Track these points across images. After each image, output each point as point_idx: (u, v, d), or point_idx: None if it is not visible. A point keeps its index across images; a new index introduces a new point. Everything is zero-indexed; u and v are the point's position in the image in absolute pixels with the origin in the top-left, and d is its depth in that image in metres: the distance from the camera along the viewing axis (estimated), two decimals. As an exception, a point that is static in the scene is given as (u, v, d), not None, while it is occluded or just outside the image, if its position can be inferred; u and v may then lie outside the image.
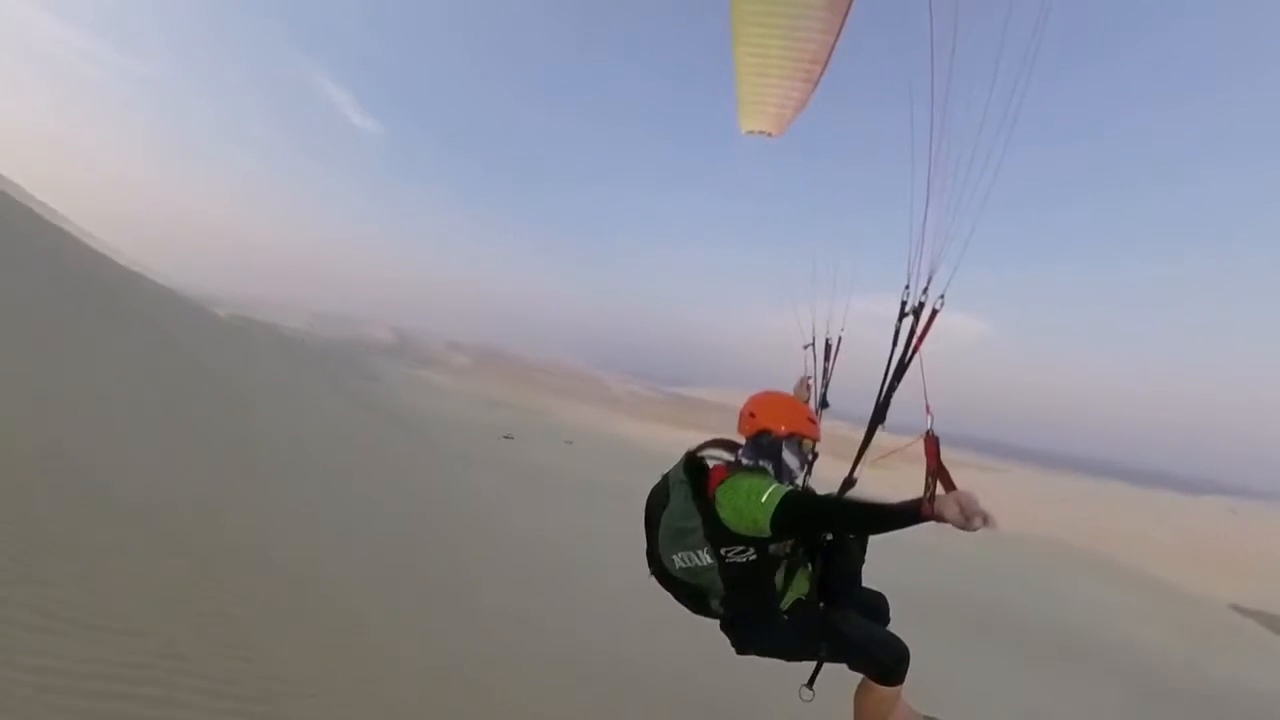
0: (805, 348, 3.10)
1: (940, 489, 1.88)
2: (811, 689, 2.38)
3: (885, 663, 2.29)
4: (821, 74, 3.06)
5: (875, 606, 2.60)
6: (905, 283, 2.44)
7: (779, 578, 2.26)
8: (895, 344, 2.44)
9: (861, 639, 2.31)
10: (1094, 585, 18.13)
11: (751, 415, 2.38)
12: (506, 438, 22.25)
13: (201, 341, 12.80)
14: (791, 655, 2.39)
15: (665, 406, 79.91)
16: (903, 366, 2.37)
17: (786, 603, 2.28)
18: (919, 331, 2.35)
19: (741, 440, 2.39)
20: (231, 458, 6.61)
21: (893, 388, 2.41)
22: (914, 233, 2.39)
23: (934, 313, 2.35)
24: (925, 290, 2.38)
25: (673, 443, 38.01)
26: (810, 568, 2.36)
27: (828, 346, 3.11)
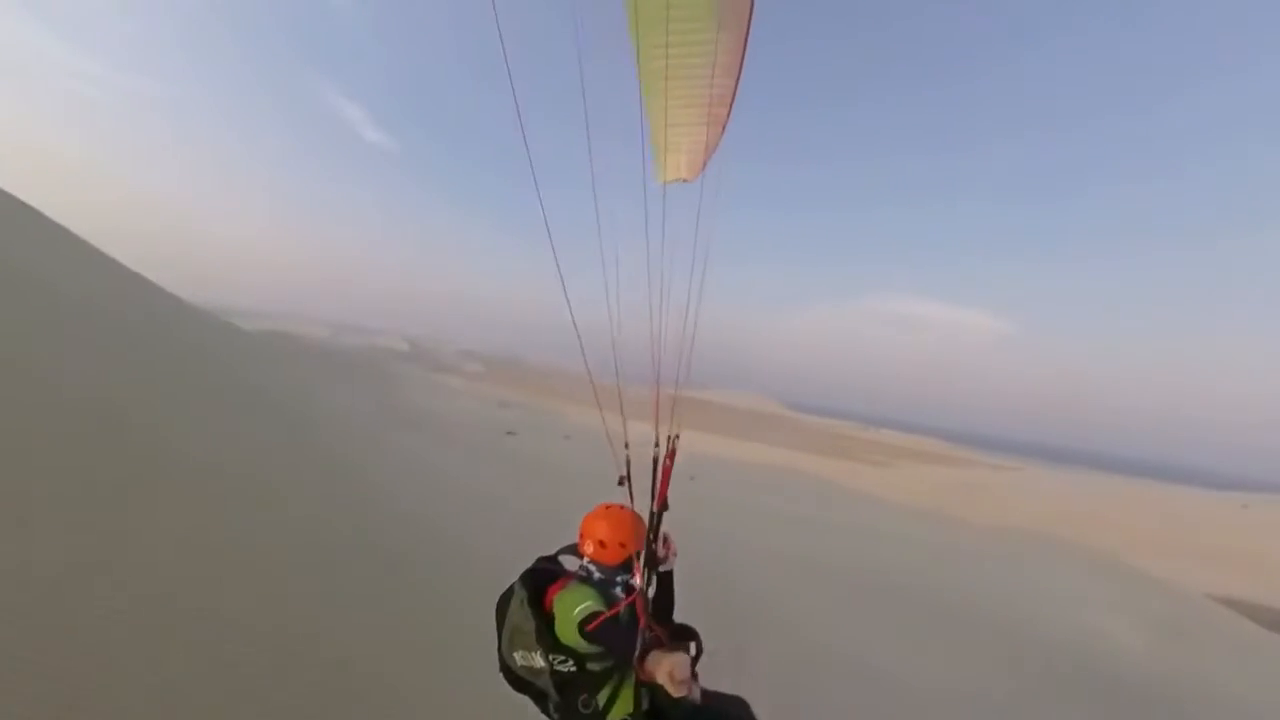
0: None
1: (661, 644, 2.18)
2: None
3: None
4: (728, 115, 3.19)
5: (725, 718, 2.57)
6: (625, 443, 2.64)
7: (603, 695, 2.30)
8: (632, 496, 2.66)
9: None
10: (1068, 578, 18.41)
11: (602, 544, 2.47)
12: (509, 434, 23.51)
13: (236, 354, 14.18)
14: None
15: (670, 408, 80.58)
16: (654, 520, 2.54)
17: (613, 717, 2.32)
18: (660, 481, 2.60)
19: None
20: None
21: (652, 552, 2.50)
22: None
23: (666, 468, 2.63)
24: (660, 444, 2.63)
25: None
26: (634, 685, 2.37)
27: (655, 462, 2.77)
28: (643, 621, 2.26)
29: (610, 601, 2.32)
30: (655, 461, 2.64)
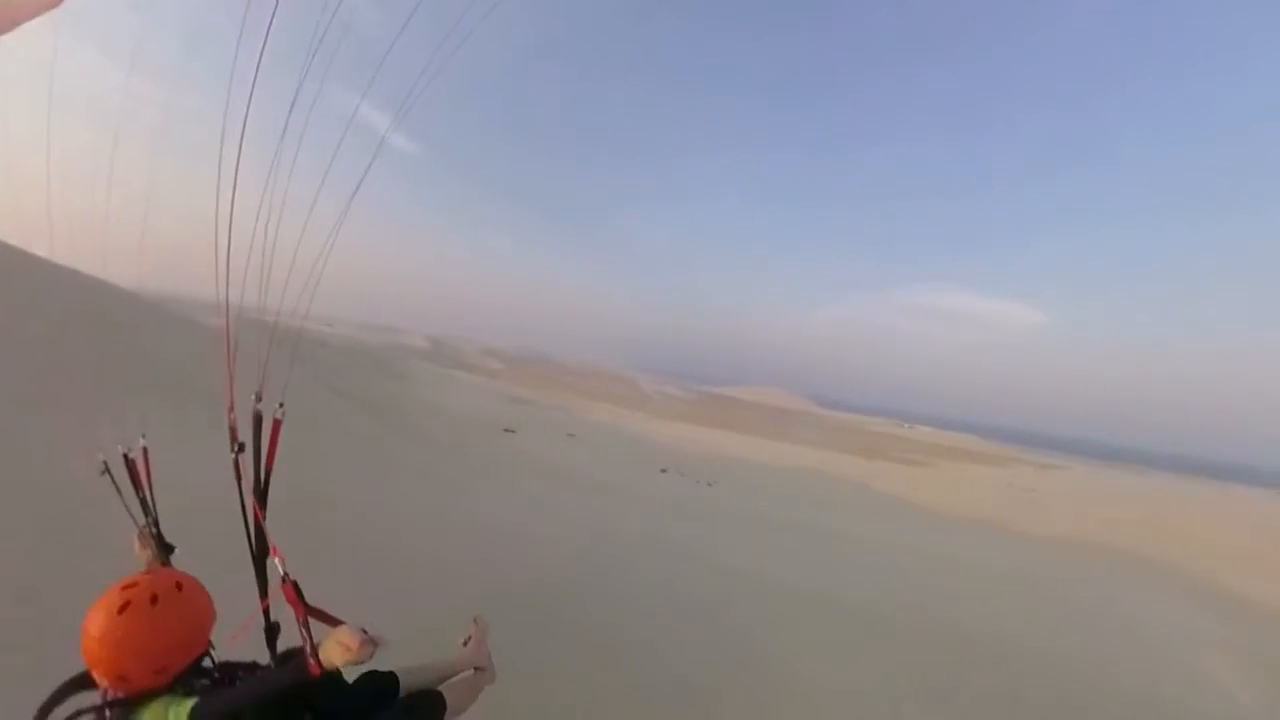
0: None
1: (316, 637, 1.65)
2: None
3: None
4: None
5: (380, 687, 2.23)
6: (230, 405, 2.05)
7: None
8: (239, 472, 1.99)
9: None
10: (1156, 606, 15.49)
11: (121, 678, 1.53)
12: (507, 431, 21.37)
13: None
14: None
15: (691, 406, 77.84)
16: (263, 493, 1.99)
17: None
18: (267, 449, 2.01)
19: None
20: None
21: (260, 528, 1.95)
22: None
23: (276, 424, 2.04)
24: (258, 398, 2.02)
25: (681, 438, 36.89)
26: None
27: (256, 421, 2.06)
28: (301, 613, 1.68)
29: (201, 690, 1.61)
30: (257, 420, 1.95)
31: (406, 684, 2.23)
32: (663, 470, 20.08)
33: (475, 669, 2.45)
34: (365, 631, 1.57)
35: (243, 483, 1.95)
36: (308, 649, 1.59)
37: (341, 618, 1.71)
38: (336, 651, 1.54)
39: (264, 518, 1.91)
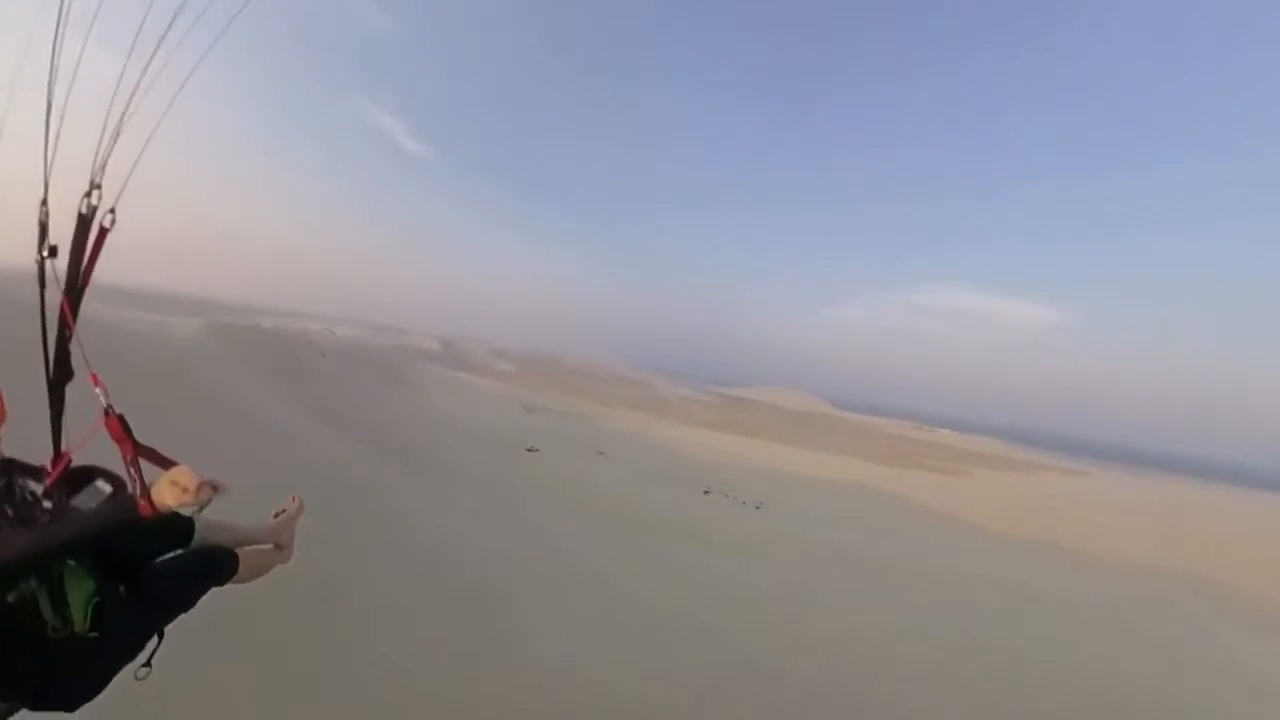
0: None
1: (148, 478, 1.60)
2: (150, 665, 1.84)
3: (218, 579, 2.03)
4: None
5: (174, 531, 2.02)
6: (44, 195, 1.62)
7: (46, 611, 1.55)
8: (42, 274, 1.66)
9: (181, 581, 1.92)
10: (1250, 642, 13.60)
11: None
12: (530, 450, 19.63)
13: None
14: (133, 655, 1.79)
15: (711, 409, 75.76)
16: (75, 301, 1.66)
17: (79, 622, 1.59)
18: (87, 256, 1.66)
19: None
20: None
21: (65, 344, 1.69)
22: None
23: (103, 231, 1.65)
24: (95, 190, 1.61)
25: (709, 447, 35.03)
26: (76, 568, 1.65)
27: (81, 221, 1.69)
28: (129, 450, 1.59)
29: None
30: (82, 222, 1.64)
31: (203, 536, 2.07)
32: (705, 491, 18.27)
33: (275, 545, 2.32)
34: (207, 478, 1.50)
35: (46, 290, 1.64)
36: (138, 489, 1.51)
37: (175, 458, 1.58)
38: (171, 492, 1.47)
39: (74, 330, 1.66)
